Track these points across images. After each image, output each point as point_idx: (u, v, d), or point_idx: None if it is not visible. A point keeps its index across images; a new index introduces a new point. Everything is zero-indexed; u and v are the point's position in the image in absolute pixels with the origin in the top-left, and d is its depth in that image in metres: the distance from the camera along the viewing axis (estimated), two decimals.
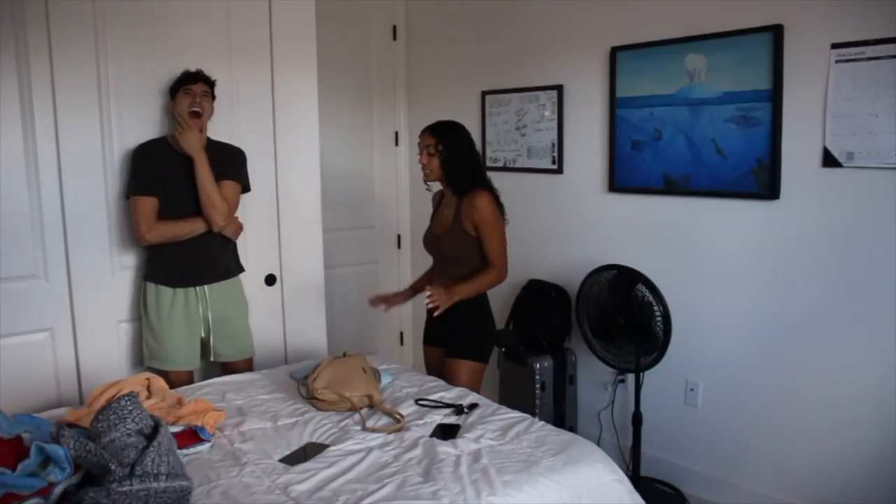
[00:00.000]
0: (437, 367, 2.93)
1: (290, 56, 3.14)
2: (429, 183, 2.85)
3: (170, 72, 2.82)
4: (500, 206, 2.77)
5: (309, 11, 3.19)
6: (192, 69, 2.77)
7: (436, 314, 2.69)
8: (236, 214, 2.85)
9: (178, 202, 2.71)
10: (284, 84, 3.14)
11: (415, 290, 3.05)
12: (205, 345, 2.85)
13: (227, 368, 2.92)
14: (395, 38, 4.35)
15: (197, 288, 2.79)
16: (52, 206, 2.66)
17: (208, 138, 2.78)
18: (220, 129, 2.93)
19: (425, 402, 2.40)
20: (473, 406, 2.36)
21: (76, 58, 2.65)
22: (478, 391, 2.75)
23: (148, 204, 2.67)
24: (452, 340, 2.80)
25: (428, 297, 2.62)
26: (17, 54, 2.55)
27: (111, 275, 2.80)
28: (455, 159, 2.72)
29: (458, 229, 2.75)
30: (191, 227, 2.72)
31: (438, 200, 2.95)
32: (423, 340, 2.98)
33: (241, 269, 2.96)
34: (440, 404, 2.39)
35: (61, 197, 2.67)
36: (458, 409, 2.33)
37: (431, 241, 2.91)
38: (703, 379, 3.10)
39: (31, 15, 2.54)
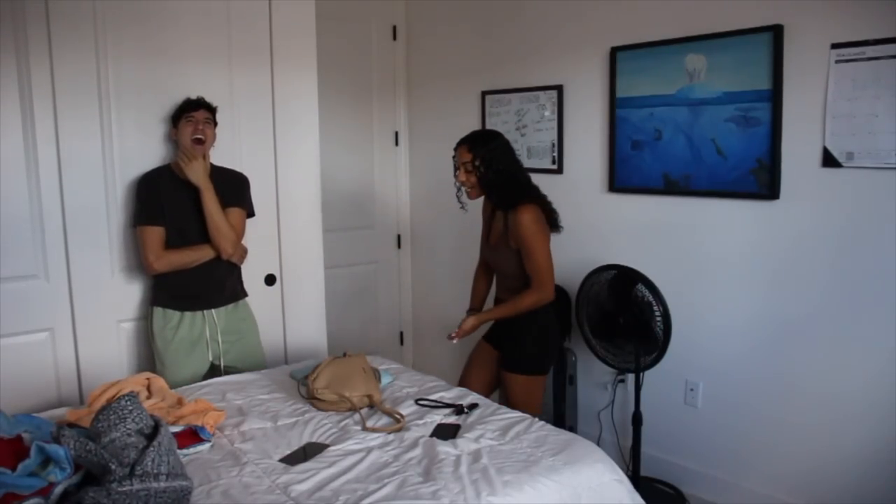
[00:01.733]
0: (482, 361, 2.87)
1: (290, 56, 3.14)
2: (462, 200, 2.74)
3: (170, 72, 2.83)
4: (551, 216, 2.69)
5: (309, 11, 3.19)
6: (193, 95, 2.78)
7: (455, 340, 2.74)
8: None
9: (186, 230, 2.72)
10: (284, 84, 3.14)
11: (475, 309, 2.98)
12: (214, 367, 2.85)
13: None
14: (395, 38, 4.35)
15: (205, 312, 2.79)
16: (52, 207, 2.66)
17: (212, 164, 2.78)
18: (220, 128, 2.92)
19: (425, 402, 2.41)
20: (473, 406, 2.37)
21: (76, 58, 2.65)
22: (538, 403, 2.74)
23: (155, 233, 2.68)
24: (507, 352, 2.75)
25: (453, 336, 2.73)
26: (17, 54, 2.55)
27: (111, 275, 2.80)
28: (495, 174, 2.57)
29: (505, 245, 2.69)
30: (198, 255, 2.72)
31: (491, 210, 2.82)
32: (485, 336, 2.91)
33: (245, 294, 2.95)
34: (440, 404, 2.39)
35: (61, 197, 2.67)
36: (458, 409, 2.33)
37: (487, 253, 2.86)
38: (702, 379, 3.10)
39: (31, 15, 2.54)
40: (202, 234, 2.72)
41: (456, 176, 2.67)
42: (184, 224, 2.71)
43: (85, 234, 2.73)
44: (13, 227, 2.59)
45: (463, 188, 2.67)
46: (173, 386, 2.65)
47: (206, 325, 2.79)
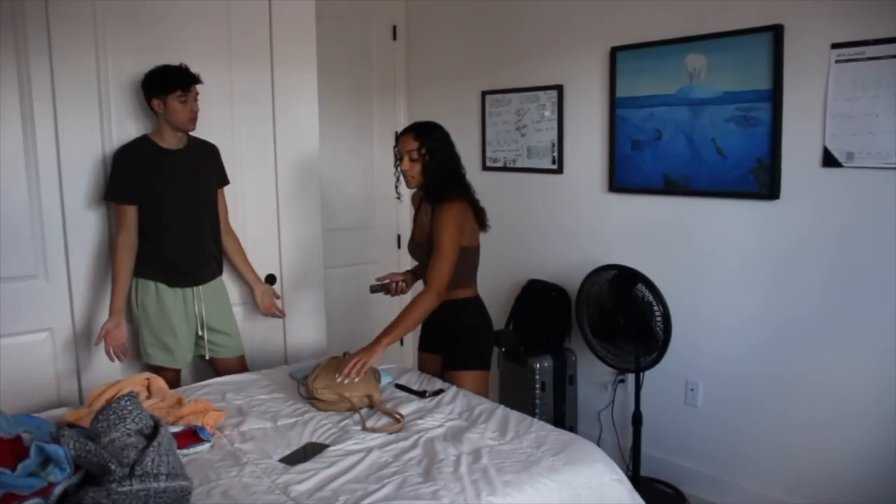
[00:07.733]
0: (433, 374, 2.79)
1: (290, 56, 3.14)
2: (400, 192, 2.70)
3: None
4: (480, 214, 2.61)
5: (309, 11, 3.19)
6: (176, 64, 2.71)
7: (357, 377, 2.35)
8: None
9: (165, 203, 2.70)
10: (284, 84, 3.14)
11: (415, 275, 2.89)
12: (197, 343, 2.87)
13: (221, 368, 2.91)
14: (395, 38, 4.35)
15: (193, 287, 2.81)
16: (52, 206, 2.66)
17: (188, 136, 2.78)
18: (220, 128, 2.93)
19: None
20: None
21: (76, 58, 2.65)
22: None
23: (127, 212, 2.67)
24: (452, 351, 2.68)
25: (349, 367, 2.34)
26: (17, 54, 2.55)
27: (111, 275, 2.80)
28: (438, 165, 2.53)
29: (430, 240, 2.59)
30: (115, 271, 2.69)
31: (418, 203, 2.77)
32: (419, 346, 2.84)
33: (221, 271, 2.96)
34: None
35: (61, 197, 2.67)
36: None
37: (413, 247, 2.78)
38: (702, 378, 3.10)
39: (31, 15, 2.55)
40: (180, 208, 2.73)
41: (397, 166, 2.60)
42: (163, 197, 2.70)
43: (85, 234, 2.73)
44: (13, 227, 2.59)
45: (402, 178, 2.60)
46: (166, 364, 2.74)
47: (195, 300, 2.81)
